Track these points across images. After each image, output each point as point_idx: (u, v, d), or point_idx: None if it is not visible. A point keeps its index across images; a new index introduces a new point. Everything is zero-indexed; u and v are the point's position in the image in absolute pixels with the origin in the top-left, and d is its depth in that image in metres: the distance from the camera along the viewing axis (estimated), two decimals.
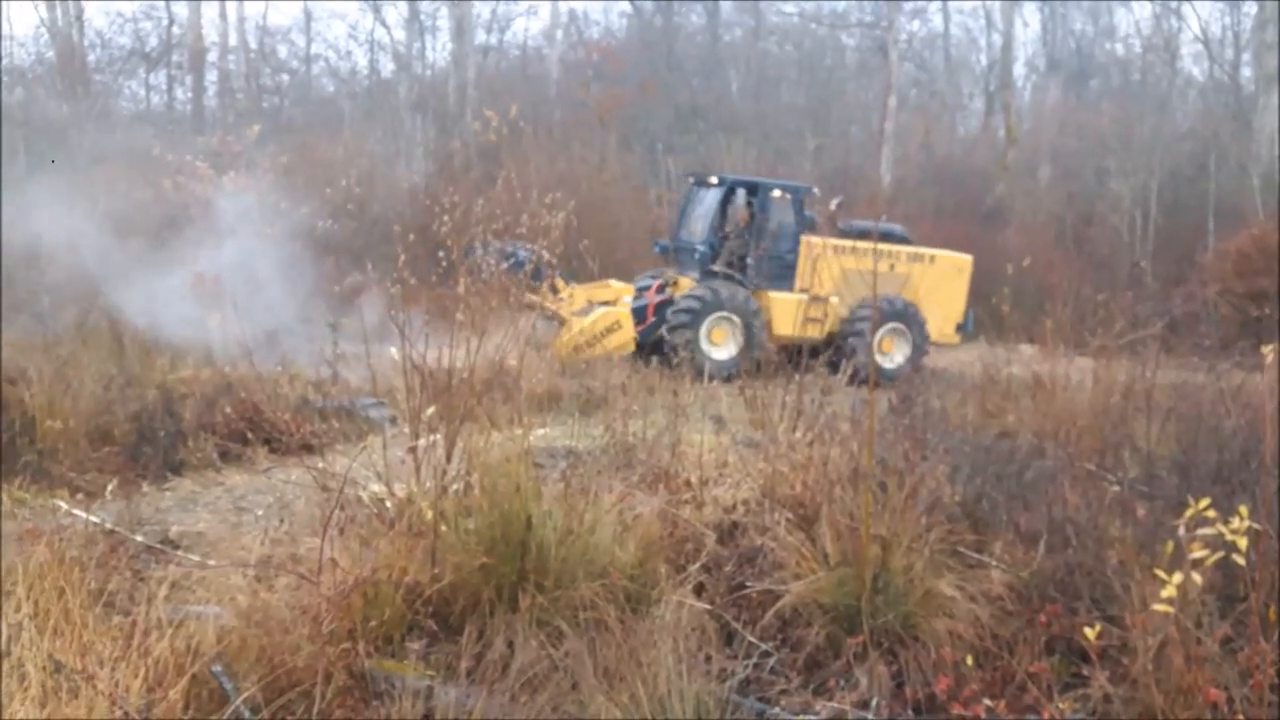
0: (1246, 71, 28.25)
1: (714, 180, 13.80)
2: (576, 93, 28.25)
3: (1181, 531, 3.62)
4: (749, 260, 13.31)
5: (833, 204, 13.98)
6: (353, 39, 41.26)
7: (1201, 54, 29.77)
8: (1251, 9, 28.18)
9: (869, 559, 4.53)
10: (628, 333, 12.41)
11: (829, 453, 5.71)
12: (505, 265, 13.65)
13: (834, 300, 13.40)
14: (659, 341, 12.53)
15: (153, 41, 28.30)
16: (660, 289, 13.35)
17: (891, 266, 13.78)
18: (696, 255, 13.25)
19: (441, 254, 6.16)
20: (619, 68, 29.84)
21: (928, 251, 14.29)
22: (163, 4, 28.32)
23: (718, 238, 13.49)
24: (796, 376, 7.06)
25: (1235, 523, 3.48)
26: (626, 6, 35.39)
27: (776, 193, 13.50)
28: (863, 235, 13.68)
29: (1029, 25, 35.09)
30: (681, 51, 31.64)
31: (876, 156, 25.14)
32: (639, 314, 13.01)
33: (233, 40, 28.05)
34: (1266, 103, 23.25)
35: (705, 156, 25.10)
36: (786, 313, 13.15)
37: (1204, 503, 3.54)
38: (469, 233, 6.20)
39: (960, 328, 14.34)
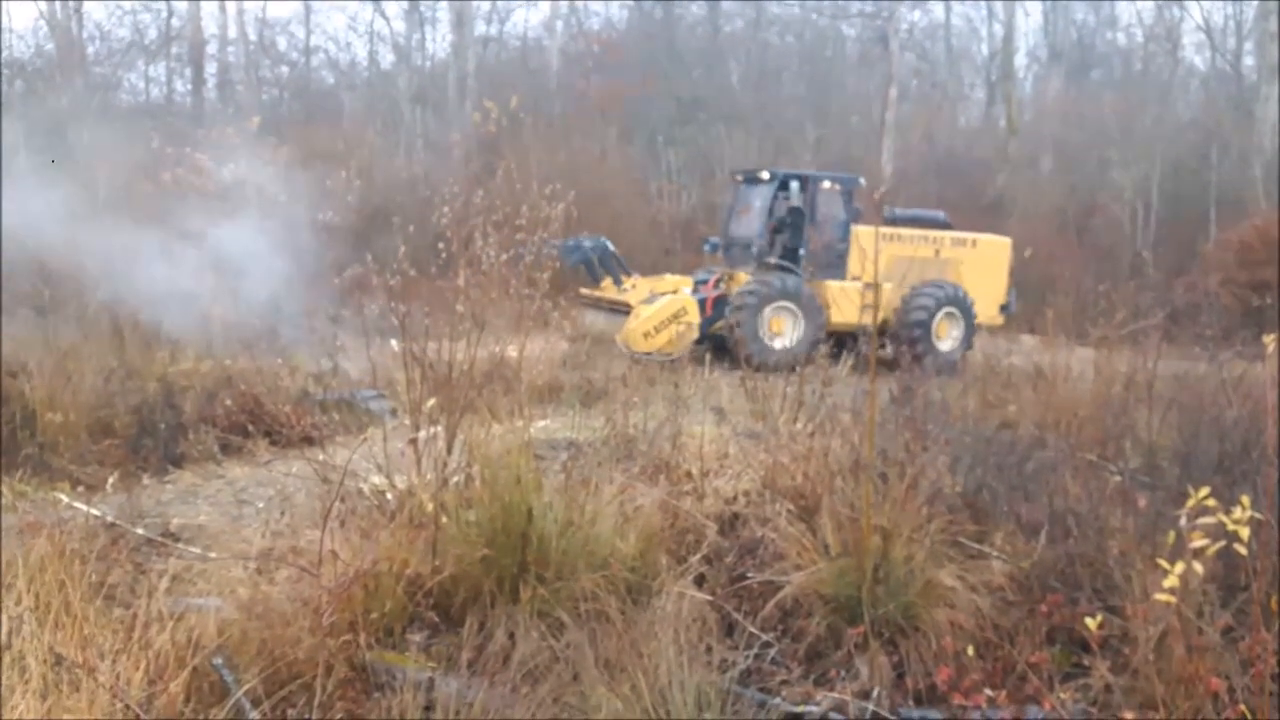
0: (1249, 61, 28.22)
1: (765, 175, 13.96)
2: (577, 84, 28.23)
3: (1183, 521, 3.61)
4: (801, 251, 13.46)
5: (878, 192, 14.29)
6: (352, 31, 41.30)
7: (1204, 44, 29.73)
8: None
9: (870, 550, 4.53)
10: (693, 319, 12.51)
11: (830, 444, 5.71)
12: (571, 260, 13.74)
13: (887, 286, 13.48)
14: (718, 335, 12.76)
15: (152, 34, 28.29)
16: (716, 284, 13.50)
17: (936, 252, 14.10)
18: (753, 250, 13.43)
19: (441, 245, 6.15)
20: (619, 59, 29.80)
21: (970, 236, 14.60)
22: None
23: (771, 231, 13.66)
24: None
25: (1237, 512, 3.48)
26: None
27: (827, 184, 13.74)
28: (908, 222, 14.03)
29: (1030, 15, 35.22)
30: (682, 43, 31.57)
31: (878, 147, 25.11)
32: (699, 307, 13.19)
33: (232, 32, 28.01)
34: (1269, 92, 23.22)
35: (706, 148, 25.07)
36: (844, 301, 13.31)
37: (1204, 492, 3.53)
38: (468, 224, 6.18)
39: (1004, 309, 14.64)
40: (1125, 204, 22.60)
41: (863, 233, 13.51)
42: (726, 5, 33.90)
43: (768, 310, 12.80)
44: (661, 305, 12.45)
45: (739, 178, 14.78)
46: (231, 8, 27.61)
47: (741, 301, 12.72)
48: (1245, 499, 3.51)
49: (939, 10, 35.07)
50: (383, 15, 32.15)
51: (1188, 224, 21.70)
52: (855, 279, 13.35)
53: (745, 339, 12.20)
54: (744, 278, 13.27)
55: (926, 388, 6.42)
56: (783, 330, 12.90)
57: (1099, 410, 6.92)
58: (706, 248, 14.66)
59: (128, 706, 3.47)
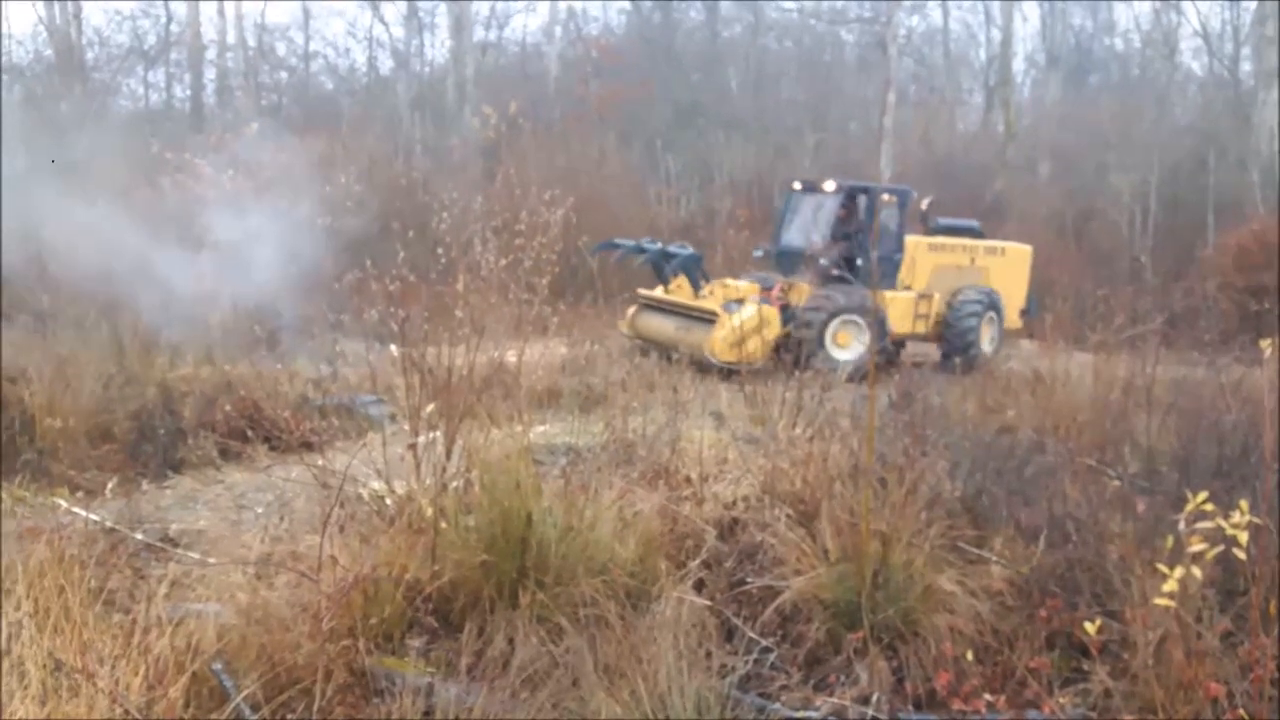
0: (1246, 66, 28.24)
1: (830, 186, 14.00)
2: (575, 89, 28.24)
3: (1182, 526, 3.62)
4: (859, 262, 13.58)
5: (924, 203, 14.56)
6: (351, 36, 41.18)
7: (1201, 49, 29.79)
8: (1251, 4, 28.18)
9: (869, 555, 4.53)
10: (774, 330, 12.45)
11: (829, 449, 5.72)
12: (639, 260, 13.59)
13: (936, 296, 13.94)
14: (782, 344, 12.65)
15: (151, 39, 28.30)
16: (781, 293, 13.44)
17: (972, 260, 14.46)
18: (820, 260, 13.29)
19: (441, 251, 6.16)
20: (618, 64, 29.83)
21: (999, 244, 15.08)
22: (161, 1, 28.32)
23: (835, 242, 13.72)
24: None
25: (1235, 517, 3.48)
26: (625, 3, 35.43)
27: (886, 196, 13.84)
28: (947, 231, 14.46)
29: (1028, 20, 35.23)
30: (681, 48, 31.63)
31: (876, 152, 25.11)
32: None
33: (231, 38, 28.03)
34: (1266, 98, 23.26)
35: (704, 153, 25.09)
36: (901, 311, 13.61)
37: (1203, 497, 3.53)
38: (468, 229, 6.20)
39: (1024, 313, 15.01)
40: (1123, 209, 22.62)
41: (913, 243, 13.96)
42: (725, 11, 33.98)
43: (835, 323, 12.86)
44: (748, 316, 12.30)
45: (797, 186, 14.82)
46: (231, 13, 27.67)
47: (810, 315, 12.75)
48: (1244, 504, 3.52)
49: (937, 16, 35.18)
50: (382, 21, 32.13)
51: (1186, 229, 21.72)
52: (906, 288, 13.77)
53: (813, 351, 12.14)
54: (804, 287, 13.28)
55: (926, 393, 6.44)
56: (848, 343, 12.96)
57: (1098, 415, 6.92)
58: (757, 254, 14.71)
59: (127, 712, 3.46)
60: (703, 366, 11.26)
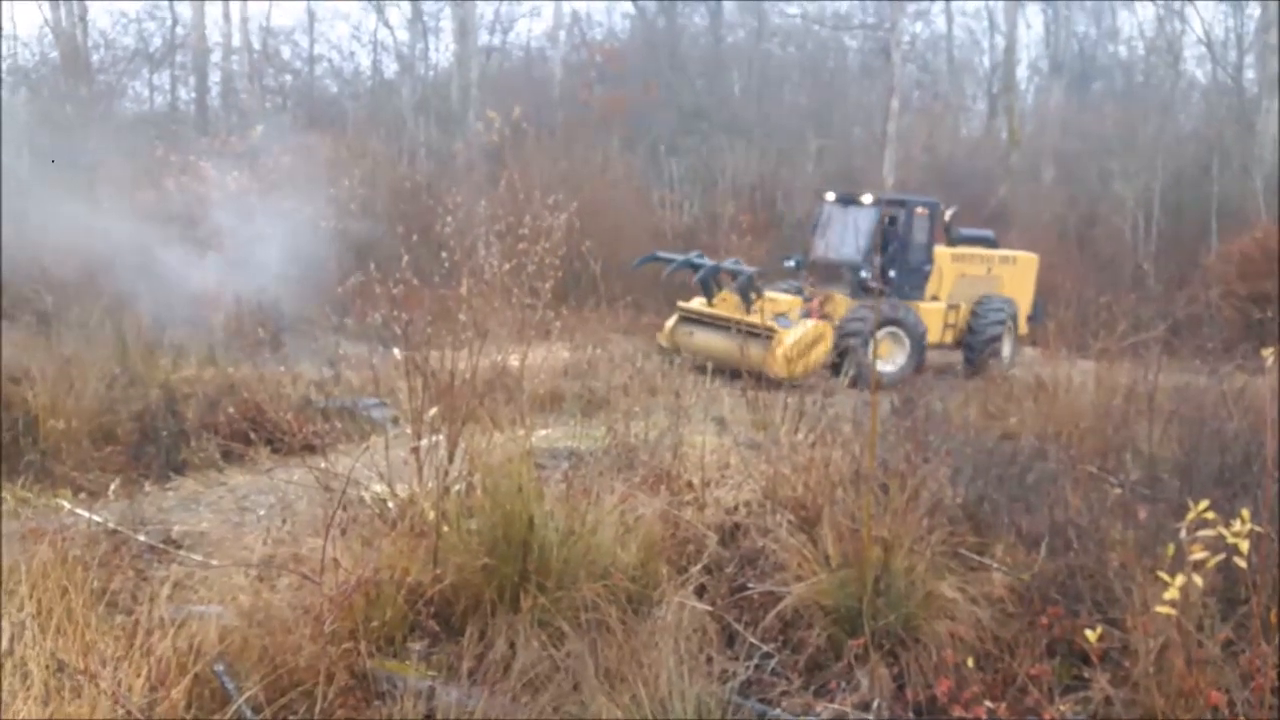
0: (1250, 74, 28.23)
1: (867, 199, 14.22)
2: (579, 94, 28.26)
3: (1183, 534, 3.62)
4: (892, 273, 13.83)
5: (948, 214, 14.73)
6: (356, 40, 41.23)
7: (1205, 56, 29.74)
8: (1255, 11, 28.17)
9: (870, 561, 4.53)
10: (828, 345, 12.66)
11: (831, 454, 5.72)
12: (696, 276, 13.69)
13: (962, 306, 14.32)
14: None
15: (156, 42, 28.32)
16: (820, 305, 13.60)
17: (989, 270, 14.85)
18: (860, 272, 13.68)
19: (444, 254, 6.17)
20: (622, 69, 29.85)
21: (1011, 253, 15.48)
22: (166, 4, 28.37)
23: (873, 253, 13.90)
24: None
25: (1237, 525, 3.49)
26: (629, 8, 35.44)
27: (920, 209, 14.10)
28: (967, 242, 14.84)
29: (1032, 27, 35.05)
30: (684, 53, 31.64)
31: (879, 158, 25.12)
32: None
33: (236, 41, 28.04)
34: (1270, 105, 23.24)
35: (708, 158, 25.09)
36: (934, 321, 13.97)
37: (1204, 505, 3.54)
38: (471, 233, 6.21)
39: (1031, 319, 15.28)
40: (1126, 215, 22.59)
41: (938, 254, 14.29)
42: (729, 16, 34.01)
43: (880, 335, 12.98)
44: (805, 331, 12.61)
45: (830, 197, 14.93)
46: (236, 16, 27.71)
47: (854, 327, 12.86)
48: (1245, 512, 3.53)
49: (941, 22, 35.19)
50: (386, 25, 32.21)
51: (1189, 236, 21.69)
52: (934, 299, 14.12)
53: (858, 362, 12.26)
54: (841, 299, 13.49)
55: (928, 399, 6.44)
56: (889, 354, 13.19)
57: (1100, 422, 6.93)
58: (789, 264, 14.78)
59: (129, 713, 3.47)
60: (703, 370, 11.22)
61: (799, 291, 13.96)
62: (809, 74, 32.76)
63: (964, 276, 14.45)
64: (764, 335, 12.29)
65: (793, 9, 34.37)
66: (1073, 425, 7.04)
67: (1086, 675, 4.13)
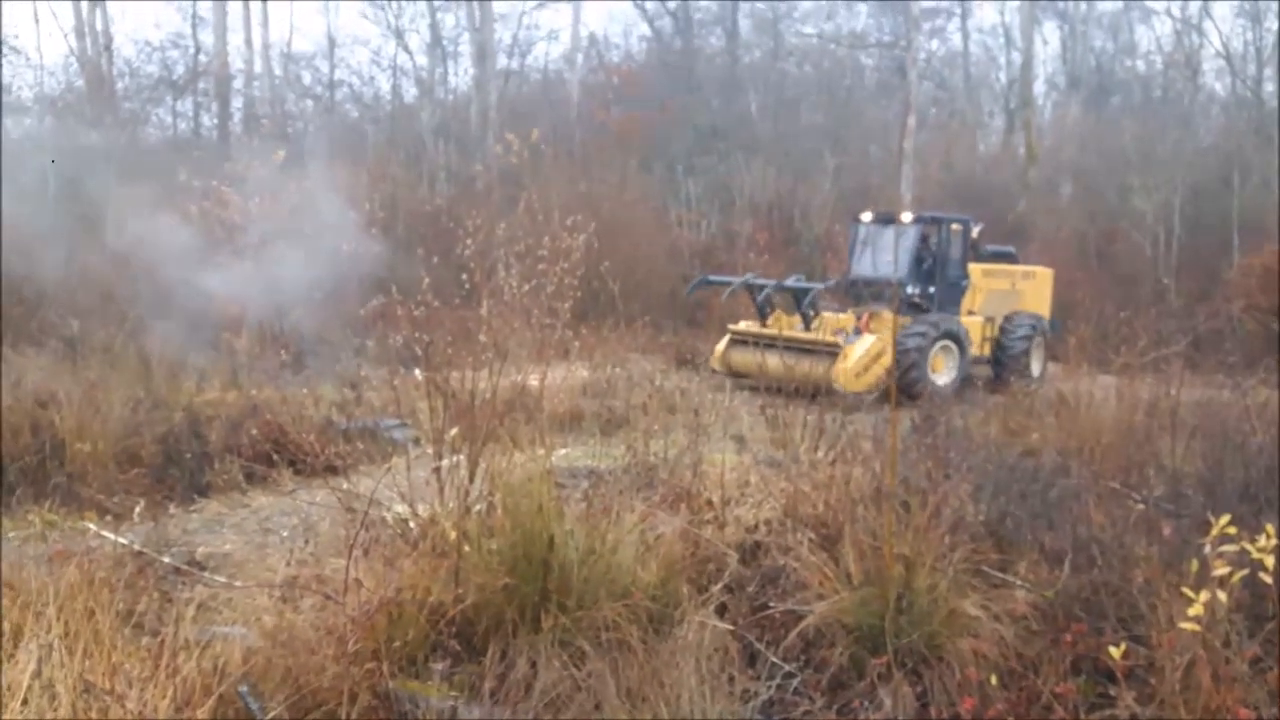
0: (1269, 86, 28.12)
1: (907, 218, 14.54)
2: (597, 115, 28.44)
3: (1207, 549, 3.60)
4: (932, 290, 14.18)
5: (975, 231, 15.04)
6: (376, 65, 41.66)
7: (1223, 69, 29.67)
8: (1274, 24, 28.08)
9: (892, 579, 4.52)
10: (889, 359, 12.68)
11: (851, 472, 5.71)
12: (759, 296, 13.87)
13: (995, 320, 14.68)
14: None
15: (180, 69, 28.73)
16: (868, 323, 13.89)
17: (1012, 284, 15.26)
18: (907, 288, 14.01)
19: (464, 276, 6.21)
20: (639, 90, 30.02)
21: (1031, 269, 15.89)
22: (190, 33, 28.82)
23: (916, 270, 14.29)
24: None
25: (1261, 540, 3.46)
26: (646, 30, 35.69)
27: (955, 226, 14.44)
28: (993, 258, 15.31)
29: (1049, 43, 35.08)
30: (701, 73, 31.79)
31: (896, 176, 25.12)
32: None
33: (258, 67, 28.43)
34: None
35: (725, 177, 25.17)
36: (975, 334, 14.28)
37: (1227, 520, 3.52)
38: (491, 255, 6.25)
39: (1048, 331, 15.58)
40: (1146, 230, 22.48)
41: (973, 270, 14.63)
42: (745, 36, 34.19)
43: (933, 350, 13.38)
44: (868, 347, 12.86)
45: (866, 218, 15.18)
46: (257, 43, 28.08)
47: (912, 343, 13.14)
48: (1270, 527, 3.51)
49: (957, 39, 35.26)
50: (406, 50, 32.43)
51: (1210, 250, 21.54)
52: (971, 314, 14.43)
53: (920, 377, 12.78)
54: (888, 316, 13.70)
55: (948, 416, 6.42)
56: (943, 367, 13.54)
57: (1122, 438, 6.89)
58: (828, 284, 15.12)
59: None
60: (719, 386, 11.30)
61: (836, 310, 14.27)
62: (825, 92, 32.83)
63: (993, 291, 14.83)
64: (826, 352, 12.78)
65: (809, 28, 34.56)
66: (1095, 441, 7.00)
67: (1112, 693, 4.09)
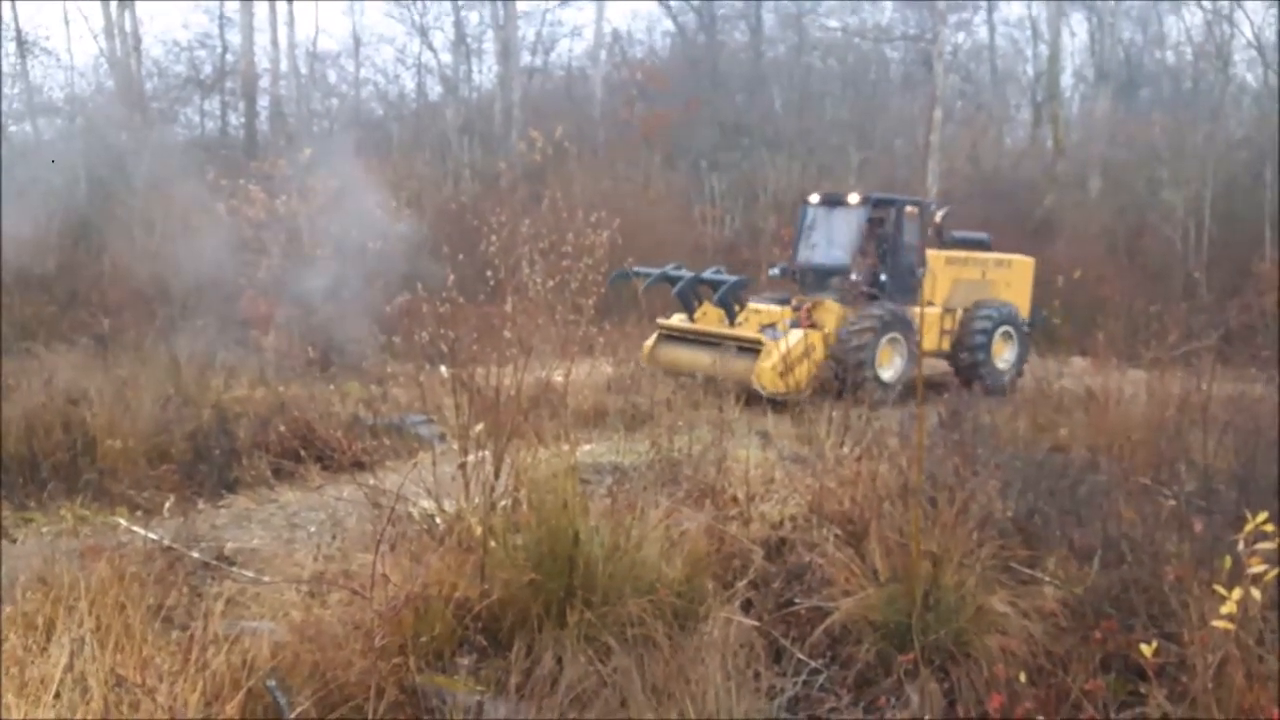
0: None
1: (854, 199, 13.34)
2: (621, 112, 28.42)
3: (1240, 546, 3.55)
4: (884, 278, 13.00)
5: (939, 215, 13.99)
6: (401, 63, 41.80)
7: (1255, 60, 29.18)
8: None
9: (919, 575, 4.49)
10: (820, 355, 11.86)
11: (877, 468, 5.68)
12: (673, 290, 12.89)
13: (958, 311, 13.52)
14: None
15: (207, 69, 29.01)
16: (808, 314, 12.76)
17: (983, 274, 14.03)
18: (852, 276, 12.78)
19: (489, 273, 6.24)
20: (663, 86, 29.96)
21: (1006, 257, 14.61)
22: (217, 33, 29.08)
23: (864, 257, 13.12)
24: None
25: None
26: (670, 25, 35.62)
27: (910, 209, 13.39)
28: (960, 244, 14.03)
29: (1076, 35, 34.62)
30: (725, 69, 31.71)
31: (922, 170, 24.95)
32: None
33: (284, 66, 28.63)
34: None
35: (749, 173, 25.10)
36: (931, 327, 13.09)
37: (1262, 516, 3.47)
38: (516, 252, 6.27)
39: (1029, 325, 14.56)
40: (1176, 223, 22.19)
41: (932, 256, 13.41)
42: (769, 31, 34.04)
43: (881, 343, 12.26)
44: (795, 342, 11.68)
45: (814, 200, 14.01)
46: (284, 42, 28.26)
47: (859, 337, 12.12)
48: None
49: (983, 32, 34.92)
50: (430, 48, 32.53)
51: (1241, 243, 21.22)
52: (930, 304, 13.19)
53: (863, 373, 11.69)
54: (831, 306, 12.66)
55: (976, 411, 6.37)
56: (890, 361, 12.41)
57: (1152, 433, 6.80)
58: (774, 273, 14.10)
59: None
60: (751, 391, 11.00)
61: (787, 301, 13.16)
62: (850, 86, 32.66)
63: (959, 280, 13.60)
64: (750, 349, 11.75)
65: (833, 22, 34.31)
66: (1124, 437, 6.91)
67: (1143, 691, 4.05)
